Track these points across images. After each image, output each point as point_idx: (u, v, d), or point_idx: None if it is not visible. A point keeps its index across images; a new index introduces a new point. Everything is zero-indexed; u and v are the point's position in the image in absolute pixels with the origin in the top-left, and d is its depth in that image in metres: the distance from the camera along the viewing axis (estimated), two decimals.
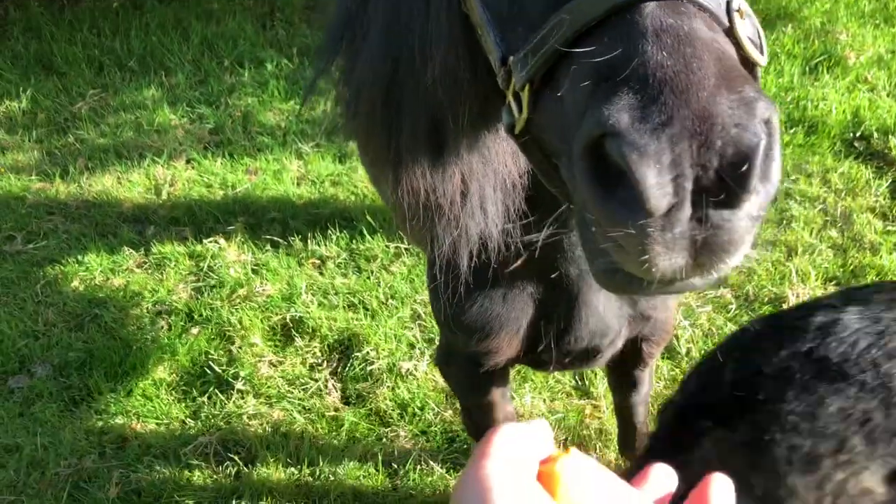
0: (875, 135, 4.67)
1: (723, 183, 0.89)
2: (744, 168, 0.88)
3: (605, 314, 2.10)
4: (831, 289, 3.80)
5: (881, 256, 3.92)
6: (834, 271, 3.86)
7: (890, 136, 4.62)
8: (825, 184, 4.39)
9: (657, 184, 0.87)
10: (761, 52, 1.10)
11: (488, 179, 1.64)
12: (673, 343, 3.55)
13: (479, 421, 2.56)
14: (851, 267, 3.89)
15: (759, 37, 1.12)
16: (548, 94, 1.09)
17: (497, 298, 2.05)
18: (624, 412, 2.82)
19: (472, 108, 1.44)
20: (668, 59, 0.92)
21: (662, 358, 3.51)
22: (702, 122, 0.88)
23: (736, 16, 1.04)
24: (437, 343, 2.61)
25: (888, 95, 5.00)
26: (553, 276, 1.96)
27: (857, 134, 4.70)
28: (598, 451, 3.12)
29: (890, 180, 4.36)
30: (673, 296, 2.33)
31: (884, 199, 4.27)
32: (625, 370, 2.62)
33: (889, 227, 4.08)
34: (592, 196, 0.96)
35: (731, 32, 1.04)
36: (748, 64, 1.06)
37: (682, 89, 0.89)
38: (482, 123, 1.52)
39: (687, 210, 0.90)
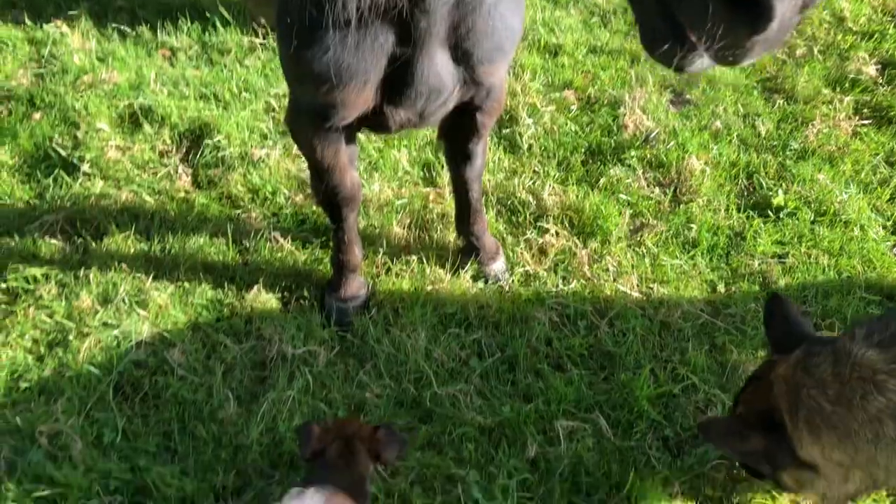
0: None
1: None
2: None
3: (441, 72, 2.23)
4: (666, 95, 4.07)
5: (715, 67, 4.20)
6: (670, 78, 4.13)
7: None
8: None
9: None
10: None
11: None
12: (516, 139, 3.75)
13: (329, 184, 2.65)
14: (686, 75, 4.16)
15: None
16: None
17: (349, 48, 2.11)
18: (460, 188, 3.01)
19: None
20: None
21: (505, 152, 3.72)
22: None
23: None
24: (287, 103, 2.66)
25: None
26: (404, 27, 2.04)
27: None
28: (439, 232, 3.34)
29: None
30: (504, 67, 2.47)
31: None
32: (461, 142, 2.78)
33: None
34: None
35: None
36: None
37: None
38: None
39: None
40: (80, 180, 3.45)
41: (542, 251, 3.31)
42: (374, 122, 2.44)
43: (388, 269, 3.20)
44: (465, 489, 2.55)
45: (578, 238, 3.35)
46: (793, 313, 2.33)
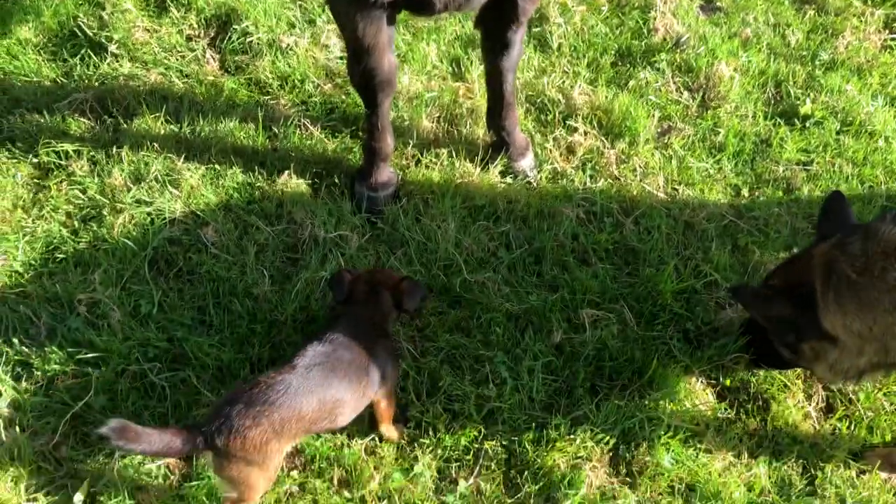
0: None
1: None
2: None
3: None
4: (697, 1, 4.03)
5: None
6: None
7: None
8: None
9: None
10: None
11: None
12: (546, 38, 3.72)
13: (367, 66, 2.64)
14: None
15: None
16: None
17: None
18: (494, 80, 3.00)
19: None
20: None
21: (535, 51, 3.69)
22: None
23: None
24: None
25: None
26: None
27: None
28: (468, 127, 3.34)
29: None
30: None
31: None
32: (501, 30, 2.76)
33: None
34: None
35: None
36: None
37: None
38: None
39: None
40: (107, 60, 3.42)
41: (571, 150, 3.33)
42: (418, 1, 2.42)
43: (418, 161, 3.22)
44: (492, 369, 2.63)
45: (607, 138, 3.36)
46: (849, 211, 2.44)
